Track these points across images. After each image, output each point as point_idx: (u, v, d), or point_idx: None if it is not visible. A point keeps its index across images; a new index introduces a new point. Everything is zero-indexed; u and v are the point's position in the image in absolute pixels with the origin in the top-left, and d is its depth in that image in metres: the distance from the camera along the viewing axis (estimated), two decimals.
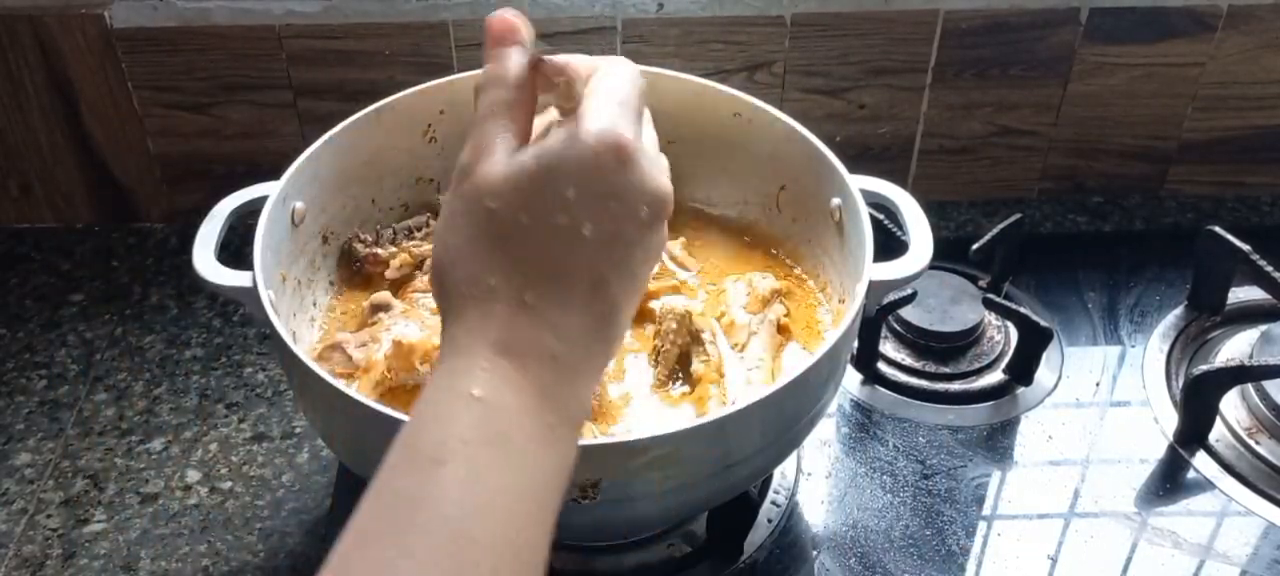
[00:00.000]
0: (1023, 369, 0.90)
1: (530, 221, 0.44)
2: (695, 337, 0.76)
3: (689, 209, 0.90)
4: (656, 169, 0.47)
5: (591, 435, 0.70)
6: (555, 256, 0.45)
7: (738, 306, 0.79)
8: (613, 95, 0.46)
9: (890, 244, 0.81)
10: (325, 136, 0.77)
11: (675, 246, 0.86)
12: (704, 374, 0.74)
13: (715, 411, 0.67)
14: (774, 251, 0.86)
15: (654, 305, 0.80)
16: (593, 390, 0.47)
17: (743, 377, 0.74)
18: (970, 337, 0.92)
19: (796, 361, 0.77)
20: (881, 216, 0.82)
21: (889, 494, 0.82)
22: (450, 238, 0.46)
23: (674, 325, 0.76)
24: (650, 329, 0.79)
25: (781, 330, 0.79)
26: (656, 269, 0.50)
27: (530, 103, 0.48)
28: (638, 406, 0.74)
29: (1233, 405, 0.87)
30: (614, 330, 0.47)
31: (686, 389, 0.75)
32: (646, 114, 0.49)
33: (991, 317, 0.94)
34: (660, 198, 0.47)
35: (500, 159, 0.45)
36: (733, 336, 0.77)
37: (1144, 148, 1.08)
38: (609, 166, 0.45)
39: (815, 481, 0.83)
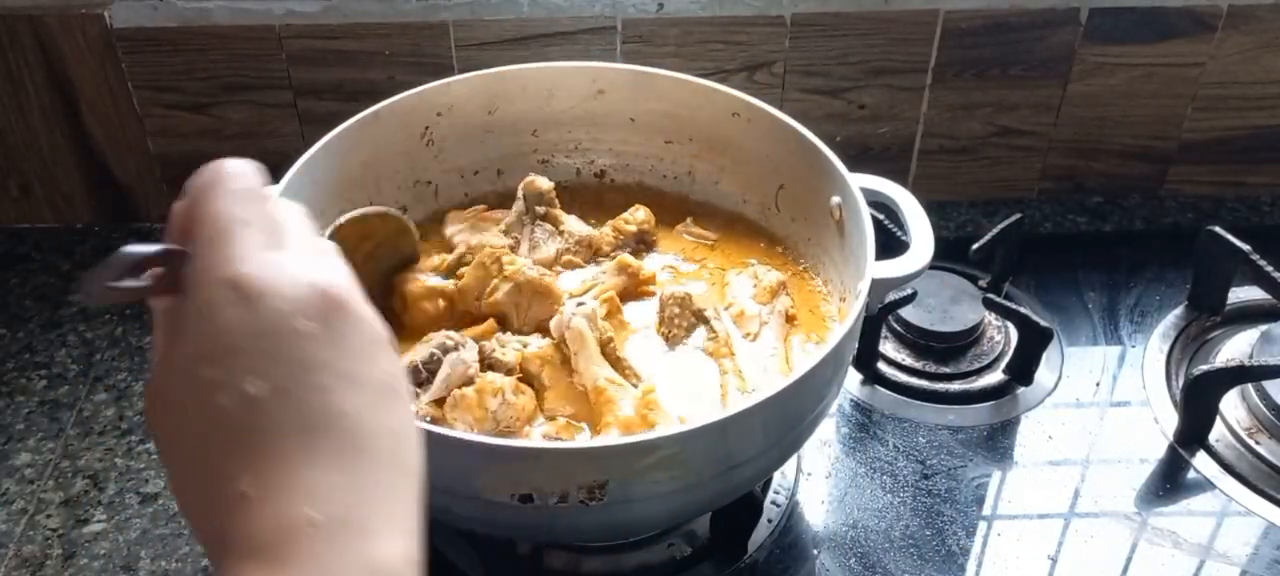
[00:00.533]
0: (1023, 369, 0.90)
1: (198, 418, 0.37)
2: (700, 318, 0.77)
3: (690, 207, 0.90)
4: (300, 265, 0.39)
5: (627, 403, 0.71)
6: (241, 434, 0.37)
7: (746, 297, 0.80)
8: (202, 226, 0.40)
9: (890, 244, 0.81)
10: (321, 141, 0.77)
11: (688, 221, 0.88)
12: (715, 350, 0.75)
13: (723, 409, 0.68)
14: (773, 248, 0.86)
15: (654, 290, 0.81)
16: (395, 527, 0.38)
17: (759, 366, 0.75)
18: (970, 337, 0.92)
19: (802, 358, 0.77)
20: (881, 216, 0.82)
21: (889, 494, 0.82)
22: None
23: (676, 310, 0.77)
24: (654, 317, 0.79)
25: (789, 320, 0.79)
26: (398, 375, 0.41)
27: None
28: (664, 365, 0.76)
29: (1233, 405, 0.87)
30: (367, 455, 0.38)
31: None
32: (260, 195, 0.41)
33: (991, 317, 0.94)
34: (318, 293, 0.38)
35: (150, 378, 0.41)
36: (744, 326, 0.78)
37: (1144, 148, 1.08)
38: (226, 306, 0.37)
39: (815, 481, 0.83)
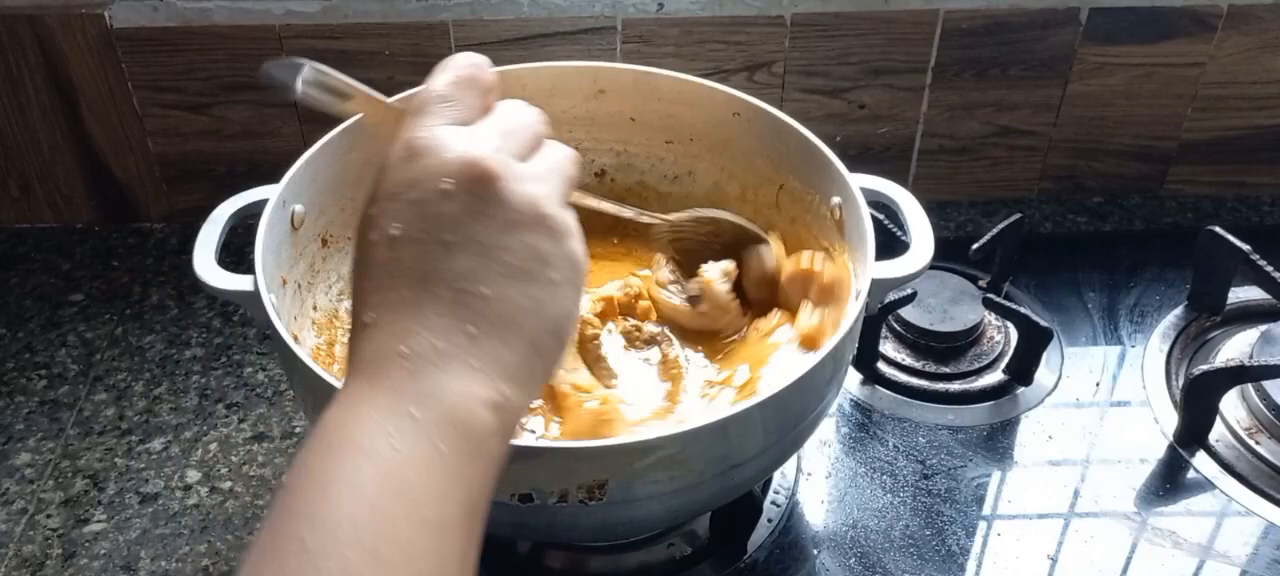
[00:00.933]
0: (1023, 369, 0.90)
1: (361, 247, 0.47)
2: (654, 341, 0.78)
3: (691, 207, 0.90)
4: (465, 140, 0.46)
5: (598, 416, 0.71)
6: (378, 268, 0.46)
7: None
8: (417, 99, 0.48)
9: (890, 244, 0.81)
10: (323, 139, 0.77)
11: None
12: (665, 372, 0.76)
13: (719, 412, 0.68)
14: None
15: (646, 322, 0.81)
16: (477, 377, 0.44)
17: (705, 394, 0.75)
18: (970, 337, 0.92)
19: (798, 363, 0.77)
20: (881, 216, 0.82)
21: (889, 494, 0.82)
22: None
23: (635, 330, 0.78)
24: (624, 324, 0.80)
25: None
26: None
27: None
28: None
29: (1233, 405, 0.87)
30: (469, 311, 0.44)
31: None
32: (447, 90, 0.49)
33: (991, 317, 0.94)
34: (467, 163, 0.45)
35: None
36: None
37: (1144, 148, 1.09)
38: (398, 164, 0.46)
39: (815, 481, 0.83)
